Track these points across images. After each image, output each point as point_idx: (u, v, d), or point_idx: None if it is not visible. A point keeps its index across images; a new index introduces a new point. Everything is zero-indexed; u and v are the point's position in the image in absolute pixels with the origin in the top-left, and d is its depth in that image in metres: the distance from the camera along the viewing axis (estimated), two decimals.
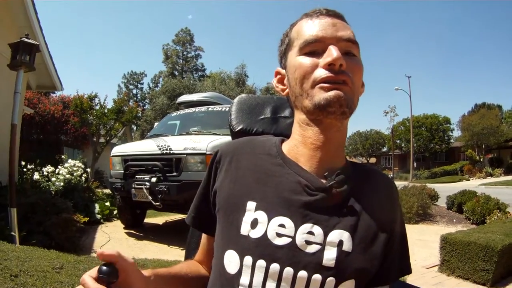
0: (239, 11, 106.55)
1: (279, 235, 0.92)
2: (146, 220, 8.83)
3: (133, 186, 6.53)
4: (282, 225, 0.93)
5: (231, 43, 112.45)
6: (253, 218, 0.96)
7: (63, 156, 11.77)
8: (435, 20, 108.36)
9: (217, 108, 8.58)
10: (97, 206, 8.90)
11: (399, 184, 15.98)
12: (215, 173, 1.14)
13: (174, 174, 6.45)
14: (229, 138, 5.69)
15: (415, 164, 43.61)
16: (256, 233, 0.94)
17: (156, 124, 10.37)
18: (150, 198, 6.27)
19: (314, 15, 1.03)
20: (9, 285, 3.09)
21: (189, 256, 1.43)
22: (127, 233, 7.60)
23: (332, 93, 0.93)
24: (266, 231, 0.93)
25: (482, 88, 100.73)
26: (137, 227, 8.14)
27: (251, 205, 0.98)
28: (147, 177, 6.53)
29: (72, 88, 27.47)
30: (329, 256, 0.90)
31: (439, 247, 5.35)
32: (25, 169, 10.09)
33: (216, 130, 7.56)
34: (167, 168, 6.52)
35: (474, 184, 26.35)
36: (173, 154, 6.53)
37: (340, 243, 0.92)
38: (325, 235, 0.92)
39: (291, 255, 0.90)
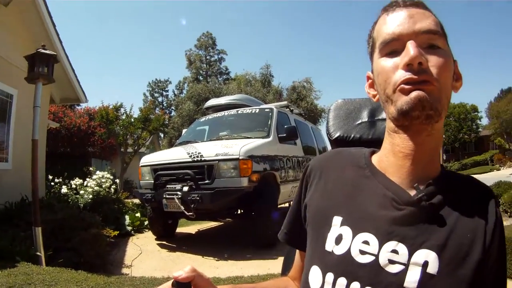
0: (260, 9, 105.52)
1: (362, 252, 0.88)
2: (178, 230, 8.59)
3: (164, 196, 6.29)
4: (366, 242, 0.89)
5: (253, 43, 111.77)
6: (338, 234, 0.94)
7: (91, 168, 11.80)
8: (449, 3, 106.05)
9: (247, 110, 8.48)
10: (127, 217, 8.72)
11: None
12: (305, 187, 1.13)
13: (207, 181, 6.21)
14: (261, 141, 5.37)
15: (444, 156, 42.93)
16: (340, 250, 0.91)
17: (184, 130, 10.20)
18: (182, 208, 6.03)
19: (390, 9, 0.96)
20: None
21: (284, 272, 1.40)
22: (159, 245, 7.35)
23: (413, 94, 0.85)
24: (349, 248, 0.90)
25: (507, 73, 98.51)
26: (169, 238, 7.89)
27: (337, 220, 0.96)
28: (178, 186, 6.28)
29: (97, 100, 27.89)
30: (412, 278, 0.82)
31: None
32: (52, 183, 10.08)
33: (247, 134, 7.42)
34: (199, 176, 6.28)
35: (505, 173, 25.49)
36: (205, 161, 6.30)
37: (425, 264, 0.82)
38: (410, 254, 0.84)
39: (373, 274, 0.85)
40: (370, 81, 1.08)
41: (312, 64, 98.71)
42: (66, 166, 15.79)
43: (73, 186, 9.68)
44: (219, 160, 6.15)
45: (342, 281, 0.87)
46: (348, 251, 0.89)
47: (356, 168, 1.03)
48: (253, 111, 8.29)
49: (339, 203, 0.98)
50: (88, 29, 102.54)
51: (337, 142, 1.42)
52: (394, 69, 0.90)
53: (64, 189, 9.44)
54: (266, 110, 8.20)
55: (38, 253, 4.59)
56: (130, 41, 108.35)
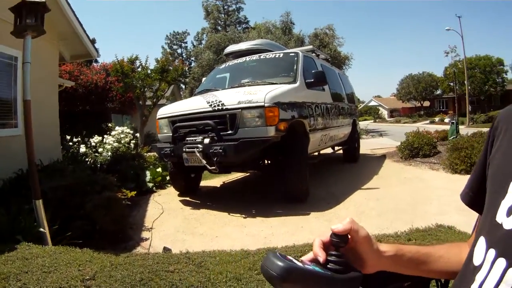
0: None
1: None
2: (202, 183, 8.20)
3: (184, 150, 5.84)
4: None
5: None
6: (511, 204, 0.75)
7: (109, 124, 11.42)
8: None
9: (270, 55, 7.98)
10: (148, 173, 8.36)
11: (466, 130, 14.78)
12: (491, 142, 0.95)
13: (229, 132, 5.73)
14: (287, 86, 4.66)
15: (470, 108, 42.23)
16: (509, 223, 0.74)
17: (204, 79, 9.66)
18: (204, 162, 5.60)
19: None
20: None
21: None
22: (182, 201, 6.96)
23: None
24: None
25: None
26: (193, 193, 7.53)
27: None
28: (199, 139, 5.84)
29: (114, 56, 27.74)
30: None
31: None
32: (71, 143, 9.78)
33: (272, 79, 6.88)
34: (221, 126, 5.79)
35: None
36: (227, 110, 5.77)
37: None
38: None
39: None
40: None
41: (333, 10, 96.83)
42: (86, 124, 15.88)
43: (92, 144, 9.49)
44: (242, 108, 5.62)
45: (501, 262, 0.72)
46: None
47: None
48: (277, 56, 7.81)
49: None
50: None
51: None
52: None
53: (82, 148, 9.31)
54: (291, 54, 7.72)
55: (41, 229, 4.04)
56: None
